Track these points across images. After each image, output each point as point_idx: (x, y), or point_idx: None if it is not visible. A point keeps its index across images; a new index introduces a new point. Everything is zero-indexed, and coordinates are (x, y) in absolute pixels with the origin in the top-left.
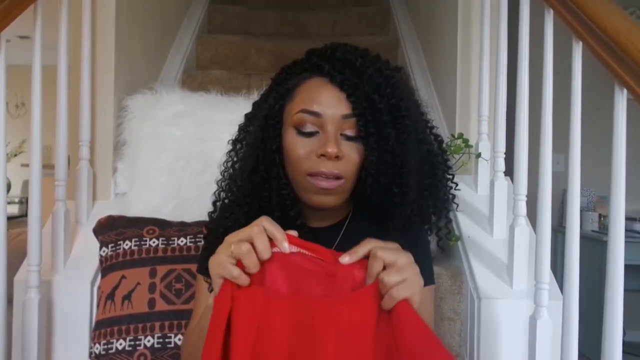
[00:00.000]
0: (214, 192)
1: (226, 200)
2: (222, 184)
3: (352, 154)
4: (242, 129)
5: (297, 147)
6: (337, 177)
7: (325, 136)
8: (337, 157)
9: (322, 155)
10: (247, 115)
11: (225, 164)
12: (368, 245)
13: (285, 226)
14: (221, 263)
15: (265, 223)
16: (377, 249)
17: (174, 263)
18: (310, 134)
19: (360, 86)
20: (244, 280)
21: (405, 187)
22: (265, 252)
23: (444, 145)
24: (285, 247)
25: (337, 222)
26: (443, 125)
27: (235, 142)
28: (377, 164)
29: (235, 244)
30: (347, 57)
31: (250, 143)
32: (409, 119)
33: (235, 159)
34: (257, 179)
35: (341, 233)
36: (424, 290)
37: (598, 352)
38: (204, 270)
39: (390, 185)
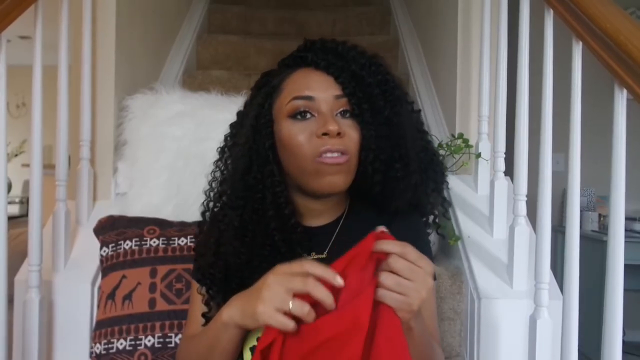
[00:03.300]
0: (202, 203)
1: (215, 209)
2: (211, 193)
3: (351, 131)
4: (229, 137)
5: (297, 133)
6: (344, 153)
7: (322, 117)
8: (339, 135)
9: (324, 134)
10: (232, 125)
11: (212, 173)
12: (399, 247)
13: (279, 225)
14: (277, 318)
15: (311, 269)
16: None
17: (174, 263)
18: (306, 118)
19: (346, 67)
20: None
21: (407, 158)
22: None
23: (442, 143)
24: (340, 282)
25: (333, 220)
26: (443, 125)
27: (223, 150)
28: (375, 138)
29: (295, 302)
30: (327, 46)
31: (242, 144)
32: (399, 89)
33: (223, 168)
34: (250, 180)
35: (337, 230)
36: None
37: (598, 352)
38: (199, 276)
39: (391, 162)
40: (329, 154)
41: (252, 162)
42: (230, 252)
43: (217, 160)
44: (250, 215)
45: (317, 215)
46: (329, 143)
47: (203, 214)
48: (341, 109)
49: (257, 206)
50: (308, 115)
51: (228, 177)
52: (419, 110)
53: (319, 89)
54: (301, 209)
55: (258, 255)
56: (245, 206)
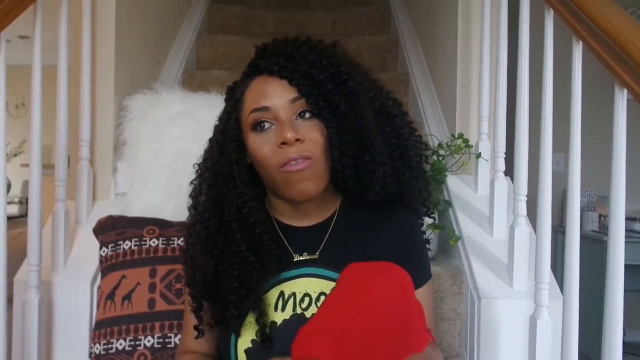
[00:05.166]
0: (187, 218)
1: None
2: (192, 210)
3: (313, 133)
4: (204, 152)
5: (261, 146)
6: (307, 158)
7: (280, 125)
8: (297, 141)
9: (283, 143)
10: (209, 140)
11: (193, 191)
12: None
13: (244, 236)
14: None
15: None
16: None
17: (174, 263)
18: (267, 128)
19: (297, 68)
20: None
21: (372, 149)
22: None
23: (442, 143)
24: None
25: (325, 218)
26: (443, 125)
27: (199, 166)
28: (338, 134)
29: None
30: (278, 48)
31: (207, 158)
32: (353, 80)
33: (199, 183)
34: (215, 194)
35: (329, 230)
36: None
37: (598, 352)
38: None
39: (359, 155)
40: (292, 164)
41: (217, 176)
42: (201, 264)
43: (195, 179)
44: (217, 228)
45: (307, 215)
46: (292, 152)
47: (187, 229)
48: (300, 111)
49: (224, 218)
50: (267, 125)
51: (198, 192)
52: (383, 94)
53: (274, 96)
54: (288, 211)
55: (227, 265)
56: (211, 219)
